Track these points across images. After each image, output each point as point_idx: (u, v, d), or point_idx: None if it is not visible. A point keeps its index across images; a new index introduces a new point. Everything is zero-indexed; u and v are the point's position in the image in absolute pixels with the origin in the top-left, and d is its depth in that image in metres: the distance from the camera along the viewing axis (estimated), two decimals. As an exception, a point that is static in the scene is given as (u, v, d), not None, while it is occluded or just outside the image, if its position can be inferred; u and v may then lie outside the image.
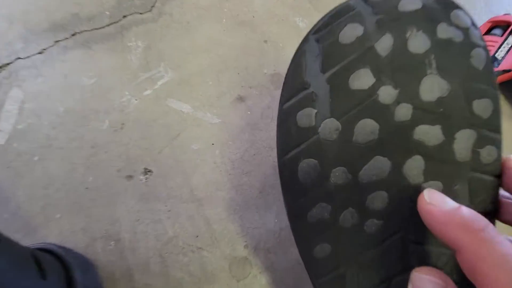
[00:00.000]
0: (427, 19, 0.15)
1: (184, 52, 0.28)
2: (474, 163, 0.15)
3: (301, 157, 0.16)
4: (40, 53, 0.27)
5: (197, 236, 0.24)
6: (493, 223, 0.16)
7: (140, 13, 0.29)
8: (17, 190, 0.24)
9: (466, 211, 0.12)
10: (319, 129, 0.15)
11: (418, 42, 0.14)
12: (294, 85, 0.16)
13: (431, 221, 0.13)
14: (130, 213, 0.24)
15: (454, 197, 0.14)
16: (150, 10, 0.29)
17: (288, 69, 0.16)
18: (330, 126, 0.15)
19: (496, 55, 0.28)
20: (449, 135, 0.14)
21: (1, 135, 0.25)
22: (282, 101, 0.16)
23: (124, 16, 0.29)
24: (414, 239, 0.15)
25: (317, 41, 0.16)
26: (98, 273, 0.22)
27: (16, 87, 0.26)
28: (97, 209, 0.24)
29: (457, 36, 0.15)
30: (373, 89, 0.15)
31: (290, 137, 0.16)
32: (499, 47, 0.29)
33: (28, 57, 0.27)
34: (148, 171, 0.25)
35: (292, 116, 0.16)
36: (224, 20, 0.30)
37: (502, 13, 0.34)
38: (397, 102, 0.14)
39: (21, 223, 0.22)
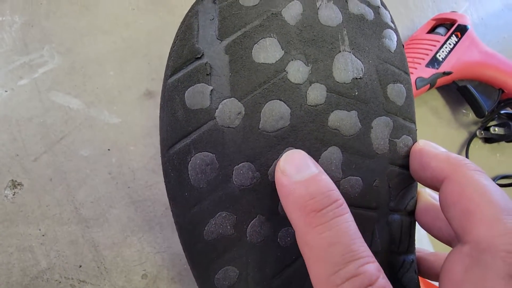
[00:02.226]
0: None
1: (78, 33, 0.23)
2: (392, 155, 0.14)
3: (192, 150, 0.13)
4: None
5: (80, 266, 0.20)
6: (415, 223, 0.15)
7: (20, -20, 0.23)
8: None
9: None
10: (216, 112, 0.12)
11: (329, 14, 0.13)
12: (182, 53, 0.13)
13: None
14: (-13, 240, 0.19)
15: (375, 195, 0.13)
16: (34, -23, 0.24)
17: (176, 35, 0.13)
18: (230, 109, 0.12)
19: (437, 55, 0.27)
20: (366, 123, 0.13)
21: None
22: (167, 75, 0.13)
23: (-3, -18, 0.23)
24: None
25: (214, 1, 0.13)
26: None
27: None
28: None
29: (369, 13, 0.14)
30: (282, 64, 0.13)
31: (177, 123, 0.13)
32: (441, 47, 0.28)
33: None
34: (18, 184, 0.20)
35: (179, 94, 0.13)
36: (134, -4, 0.25)
37: (449, 10, 0.34)
38: (309, 82, 0.13)
39: None
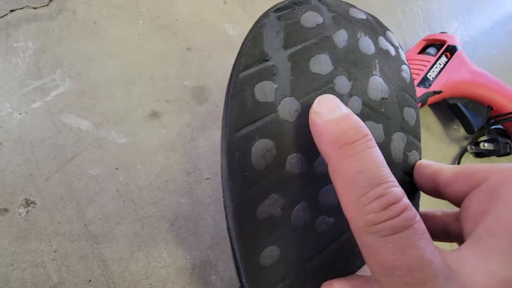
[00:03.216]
0: (371, 29, 0.17)
1: (87, 57, 0.25)
2: (404, 164, 0.17)
3: (256, 136, 0.14)
4: None
5: (89, 281, 0.21)
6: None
7: (34, 8, 0.25)
8: None
9: None
10: (279, 107, 0.14)
11: (366, 44, 0.16)
12: (254, 53, 0.15)
13: None
14: (2, 256, 0.20)
15: None
16: (47, 5, 0.26)
17: (246, 38, 0.15)
18: (290, 106, 0.14)
19: (428, 75, 0.29)
20: (388, 135, 0.16)
21: None
22: (239, 69, 0.15)
23: (12, 10, 0.25)
24: None
25: (279, 18, 0.16)
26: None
27: None
28: (-44, 253, 0.20)
29: (392, 51, 0.17)
30: (331, 76, 0.15)
31: (246, 111, 0.14)
32: (431, 67, 0.29)
33: None
34: (31, 203, 0.22)
35: (250, 86, 0.14)
36: (140, 21, 0.27)
37: (439, 31, 0.36)
38: (350, 94, 0.15)
39: None
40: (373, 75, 0.16)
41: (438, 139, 0.32)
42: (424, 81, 0.29)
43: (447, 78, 0.29)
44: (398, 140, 0.16)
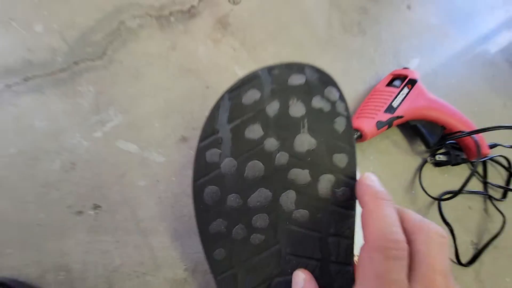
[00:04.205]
0: (306, 92, 0.23)
1: (132, 97, 0.34)
2: (333, 199, 0.22)
3: (206, 184, 0.23)
4: (-9, 97, 0.31)
5: (142, 263, 0.29)
6: (352, 244, 0.23)
7: (92, 60, 0.34)
8: (-33, 229, 0.27)
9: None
10: (221, 165, 0.23)
11: (296, 109, 0.23)
12: (208, 130, 0.23)
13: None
14: (80, 245, 0.28)
15: (319, 223, 0.22)
16: (101, 58, 0.34)
17: (207, 117, 0.23)
18: (229, 163, 0.23)
19: (392, 103, 0.38)
20: (315, 177, 0.22)
21: (-48, 177, 0.28)
22: (199, 141, 0.23)
23: (76, 63, 0.34)
24: (289, 251, 0.22)
25: (229, 99, 0.23)
26: (49, 303, 0.26)
27: (-33, 131, 0.29)
28: (48, 244, 0.28)
29: (326, 107, 0.23)
30: (262, 139, 0.22)
31: (201, 169, 0.23)
32: (396, 97, 0.38)
33: (-21, 101, 0.30)
34: (98, 207, 0.30)
35: (203, 152, 0.23)
36: (171, 68, 0.36)
37: (407, 64, 0.44)
38: (278, 150, 0.22)
39: (-26, 261, 0.26)
40: (300, 133, 0.22)
41: (405, 152, 0.40)
42: (390, 108, 0.38)
43: (408, 106, 0.38)
44: (325, 181, 0.22)
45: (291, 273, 0.22)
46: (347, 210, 0.22)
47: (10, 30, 0.33)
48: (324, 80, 0.23)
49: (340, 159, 0.22)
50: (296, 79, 0.23)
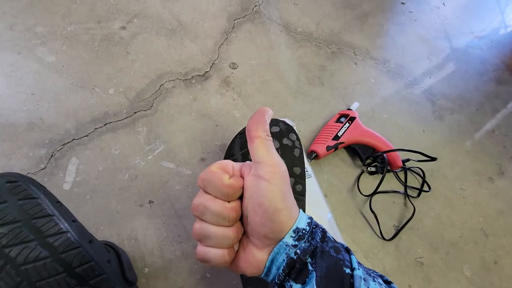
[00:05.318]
0: (280, 135, 0.42)
1: (170, 133, 0.54)
2: (293, 191, 0.42)
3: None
4: (86, 136, 0.51)
5: (179, 235, 0.48)
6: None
7: (144, 110, 0.54)
8: (77, 215, 0.46)
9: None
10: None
11: (274, 144, 0.42)
12: (229, 154, 0.43)
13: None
14: (142, 224, 0.47)
15: None
16: (150, 108, 0.55)
17: (228, 147, 0.43)
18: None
19: (338, 133, 0.58)
20: None
21: (67, 185, 0.47)
22: (226, 157, 0.42)
23: (135, 112, 0.54)
24: None
25: (240, 138, 0.43)
26: (128, 258, 0.45)
27: (74, 156, 0.49)
28: (124, 223, 0.47)
29: (290, 143, 0.43)
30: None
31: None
32: (340, 129, 0.58)
33: (79, 138, 0.50)
34: (151, 202, 0.49)
35: None
36: (193, 113, 0.56)
37: (351, 106, 0.65)
38: None
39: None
40: None
41: (348, 165, 0.60)
42: (336, 137, 0.58)
43: (348, 135, 0.58)
44: (290, 181, 0.43)
45: None
46: (301, 196, 0.42)
47: (94, 93, 0.54)
48: (289, 129, 0.43)
49: (296, 170, 0.42)
50: (275, 129, 0.43)
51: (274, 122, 0.43)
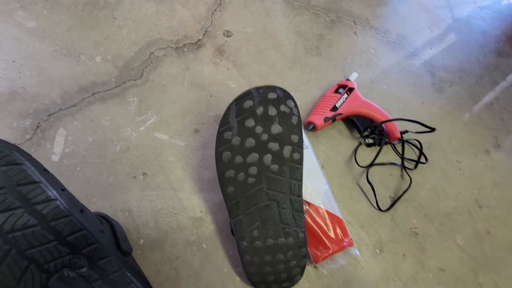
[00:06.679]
0: (277, 102, 0.41)
1: (162, 104, 0.52)
2: (291, 158, 0.41)
3: (224, 151, 0.41)
4: (73, 106, 0.49)
5: (174, 207, 0.47)
6: (301, 185, 0.42)
7: (134, 80, 0.52)
8: (68, 187, 0.45)
9: None
10: (232, 140, 0.40)
11: (272, 111, 0.41)
12: (224, 121, 0.41)
13: None
14: (136, 196, 0.47)
15: (284, 172, 0.41)
16: (140, 78, 0.52)
17: (223, 114, 0.42)
18: (236, 140, 0.40)
19: (336, 104, 0.56)
20: (281, 147, 0.40)
21: (56, 156, 0.46)
22: (219, 127, 0.42)
23: (124, 82, 0.51)
24: (267, 188, 0.41)
25: (236, 105, 0.41)
26: (122, 230, 0.44)
27: (61, 127, 0.47)
28: (117, 196, 0.46)
29: (287, 110, 0.41)
30: (254, 127, 0.40)
31: (220, 142, 0.41)
32: (338, 100, 0.57)
33: (66, 108, 0.48)
34: (145, 174, 0.48)
35: (222, 133, 0.41)
36: (185, 83, 0.54)
37: (350, 77, 0.63)
38: (262, 133, 0.40)
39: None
40: (274, 123, 0.39)
41: (346, 138, 0.59)
42: (334, 108, 0.56)
43: (346, 106, 0.57)
44: (287, 149, 0.39)
45: (269, 200, 0.40)
46: (298, 165, 0.41)
47: (80, 61, 0.51)
48: (287, 96, 0.42)
49: (294, 138, 0.41)
50: (272, 95, 0.41)
51: (271, 89, 0.41)
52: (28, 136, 0.46)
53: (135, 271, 0.37)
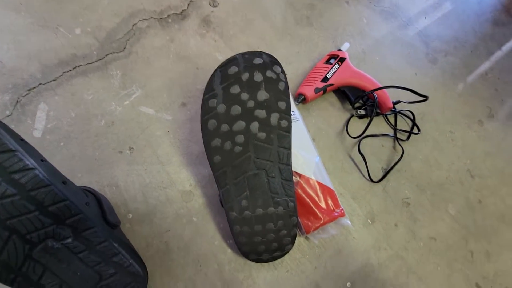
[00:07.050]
0: (263, 67, 0.40)
1: (147, 77, 0.50)
2: (278, 126, 0.40)
3: (209, 119, 0.40)
4: (54, 80, 0.47)
5: (162, 181, 0.47)
6: (290, 153, 0.42)
7: (117, 52, 0.50)
8: (52, 162, 0.44)
9: None
10: (217, 108, 0.39)
11: (258, 77, 0.40)
12: (209, 88, 0.40)
13: None
14: (123, 171, 0.46)
15: (271, 140, 0.40)
16: (123, 50, 0.51)
17: (208, 81, 0.41)
18: (221, 107, 0.39)
19: (327, 75, 0.55)
20: (268, 114, 0.39)
21: (38, 132, 0.45)
22: (204, 95, 0.40)
23: (106, 55, 0.50)
24: (255, 156, 0.41)
25: (220, 71, 0.40)
26: (109, 203, 0.44)
27: (42, 102, 0.46)
28: (103, 171, 0.45)
29: (274, 76, 0.40)
30: (239, 94, 0.39)
31: (205, 110, 0.40)
32: (329, 70, 0.56)
33: (47, 83, 0.47)
34: (131, 148, 0.47)
35: (207, 101, 0.40)
36: (171, 55, 0.52)
37: (341, 47, 0.62)
38: (248, 99, 0.39)
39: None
40: (260, 90, 0.38)
41: (338, 109, 0.58)
42: (325, 79, 0.55)
43: (337, 77, 0.56)
44: (274, 116, 0.39)
45: (257, 169, 0.40)
46: (287, 132, 0.40)
47: (58, 34, 0.49)
48: (273, 61, 0.40)
49: (282, 104, 0.40)
50: (258, 60, 0.40)
51: (257, 54, 0.40)
52: (8, 112, 0.44)
53: (122, 242, 0.36)
